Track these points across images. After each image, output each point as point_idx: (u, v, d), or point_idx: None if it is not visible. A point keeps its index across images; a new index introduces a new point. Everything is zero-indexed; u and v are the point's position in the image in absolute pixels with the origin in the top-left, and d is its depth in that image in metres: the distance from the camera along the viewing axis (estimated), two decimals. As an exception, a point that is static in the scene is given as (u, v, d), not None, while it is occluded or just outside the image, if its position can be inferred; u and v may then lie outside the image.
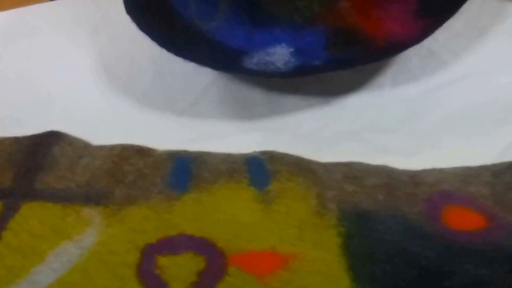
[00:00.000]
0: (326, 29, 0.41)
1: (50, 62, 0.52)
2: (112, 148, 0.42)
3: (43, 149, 0.43)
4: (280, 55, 0.40)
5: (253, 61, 0.40)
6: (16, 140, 0.43)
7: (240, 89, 0.46)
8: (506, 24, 0.51)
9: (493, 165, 0.39)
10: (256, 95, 0.46)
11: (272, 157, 0.40)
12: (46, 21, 0.56)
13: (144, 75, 0.49)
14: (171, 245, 0.35)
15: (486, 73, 0.45)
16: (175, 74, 0.48)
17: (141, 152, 0.42)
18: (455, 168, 0.39)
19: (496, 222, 0.35)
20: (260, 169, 0.39)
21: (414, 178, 0.38)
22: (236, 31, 0.41)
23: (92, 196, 0.39)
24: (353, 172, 0.39)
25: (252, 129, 0.44)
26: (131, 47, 0.51)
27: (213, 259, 0.34)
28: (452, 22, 0.49)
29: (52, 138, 0.43)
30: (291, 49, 0.41)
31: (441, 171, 0.39)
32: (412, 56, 0.48)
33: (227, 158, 0.40)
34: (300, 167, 0.39)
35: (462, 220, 0.36)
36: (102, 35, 0.53)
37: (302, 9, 0.41)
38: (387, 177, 0.38)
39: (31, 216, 0.37)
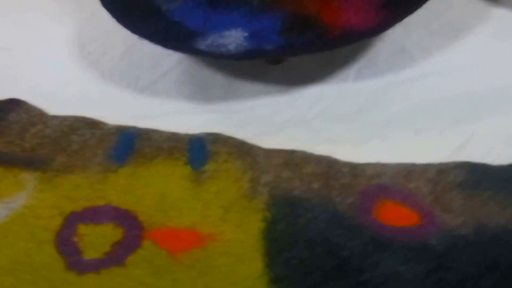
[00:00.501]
0: (284, 14, 0.40)
1: (28, 32, 0.52)
2: (65, 118, 0.42)
3: (0, 114, 0.43)
4: (234, 38, 0.40)
5: (206, 43, 0.40)
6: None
7: (203, 72, 0.46)
8: (485, 26, 0.50)
9: (440, 164, 0.37)
10: (217, 78, 0.46)
11: (216, 138, 0.39)
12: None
13: (115, 52, 0.49)
14: (95, 214, 0.35)
15: (452, 73, 0.44)
16: (143, 52, 0.48)
17: (92, 124, 0.42)
18: (400, 164, 0.38)
19: (429, 220, 0.34)
20: (201, 149, 0.39)
21: (355, 170, 0.37)
22: (195, 13, 0.41)
23: (33, 162, 0.39)
24: (293, 160, 0.38)
25: (207, 110, 0.43)
26: (109, 25, 0.51)
27: (131, 232, 0.34)
28: (430, 21, 0.49)
29: (11, 105, 0.44)
30: (246, 34, 0.40)
31: (384, 165, 0.38)
32: (382, 50, 0.47)
33: (172, 137, 0.40)
34: (240, 150, 0.38)
35: (394, 215, 0.35)
36: (85, 11, 0.54)
37: None
38: (327, 167, 0.37)
39: (-29, 176, 0.38)
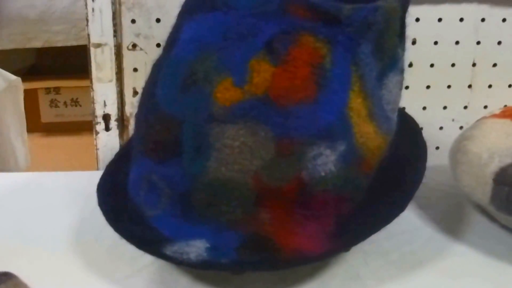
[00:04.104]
0: (244, 233, 0.46)
1: (38, 215, 0.61)
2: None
3: (-8, 284, 0.49)
4: (197, 248, 0.45)
5: (172, 248, 0.45)
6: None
7: (173, 272, 0.51)
8: (444, 261, 0.53)
9: None
10: (183, 280, 0.50)
11: None
12: (42, 187, 0.68)
13: (105, 243, 0.55)
14: None
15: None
16: (126, 248, 0.50)
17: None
18: None
19: None
20: None
21: None
22: (170, 221, 0.47)
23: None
24: None
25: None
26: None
27: None
28: (391, 251, 0.54)
29: (3, 277, 0.50)
30: (208, 245, 0.45)
31: None
32: (337, 275, 0.51)
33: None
34: None
35: None
36: (89, 205, 0.60)
37: (226, 213, 0.45)
38: None
39: None
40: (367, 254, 0.53)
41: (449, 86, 0.85)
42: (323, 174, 0.44)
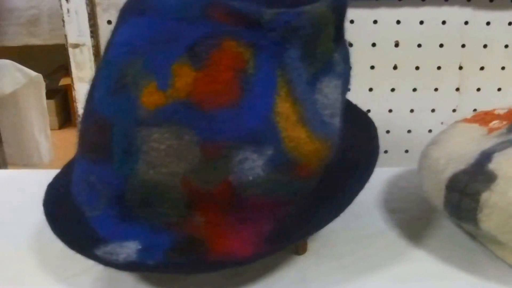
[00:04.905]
0: (177, 234, 0.46)
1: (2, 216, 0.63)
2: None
3: None
4: (128, 249, 0.45)
5: (105, 249, 0.45)
6: None
7: (121, 272, 0.51)
8: (396, 268, 0.53)
9: None
10: (131, 279, 0.51)
11: None
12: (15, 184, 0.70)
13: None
14: None
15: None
16: None
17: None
18: None
19: None
20: None
21: None
22: (108, 222, 0.47)
23: None
24: None
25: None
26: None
27: None
28: (344, 255, 0.53)
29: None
30: (140, 247, 0.45)
31: None
32: (281, 278, 0.51)
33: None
34: None
35: None
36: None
37: (160, 215, 0.46)
38: None
39: None
40: (320, 257, 0.54)
41: (436, 89, 0.84)
42: (251, 178, 0.44)
